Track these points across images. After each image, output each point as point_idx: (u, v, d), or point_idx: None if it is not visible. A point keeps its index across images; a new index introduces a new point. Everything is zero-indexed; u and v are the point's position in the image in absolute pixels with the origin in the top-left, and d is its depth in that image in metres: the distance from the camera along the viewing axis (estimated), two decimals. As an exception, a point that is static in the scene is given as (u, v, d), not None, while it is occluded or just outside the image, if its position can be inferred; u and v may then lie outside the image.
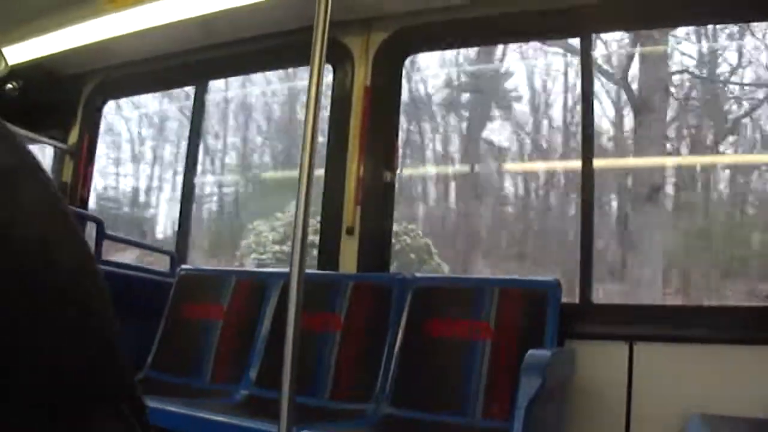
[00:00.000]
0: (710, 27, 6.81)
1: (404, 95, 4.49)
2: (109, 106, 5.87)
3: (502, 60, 8.79)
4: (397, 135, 4.33)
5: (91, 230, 4.25)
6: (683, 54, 7.56)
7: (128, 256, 4.71)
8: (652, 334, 3.38)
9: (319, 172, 4.23)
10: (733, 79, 7.49)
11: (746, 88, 7.22)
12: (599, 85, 7.70)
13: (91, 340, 0.48)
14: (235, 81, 8.85)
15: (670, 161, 7.75)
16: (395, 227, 3.99)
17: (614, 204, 8.07)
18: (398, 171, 4.27)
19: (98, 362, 0.48)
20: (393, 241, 4.26)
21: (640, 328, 3.44)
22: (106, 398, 0.48)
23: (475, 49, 8.06)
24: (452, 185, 9.57)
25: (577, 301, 3.64)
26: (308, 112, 2.61)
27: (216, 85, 8.34)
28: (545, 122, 8.98)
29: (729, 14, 3.90)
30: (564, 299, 3.36)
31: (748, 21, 4.44)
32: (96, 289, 0.51)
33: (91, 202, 5.54)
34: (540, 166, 8.98)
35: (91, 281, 0.51)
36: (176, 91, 7.65)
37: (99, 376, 0.48)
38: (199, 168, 5.41)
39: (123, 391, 0.50)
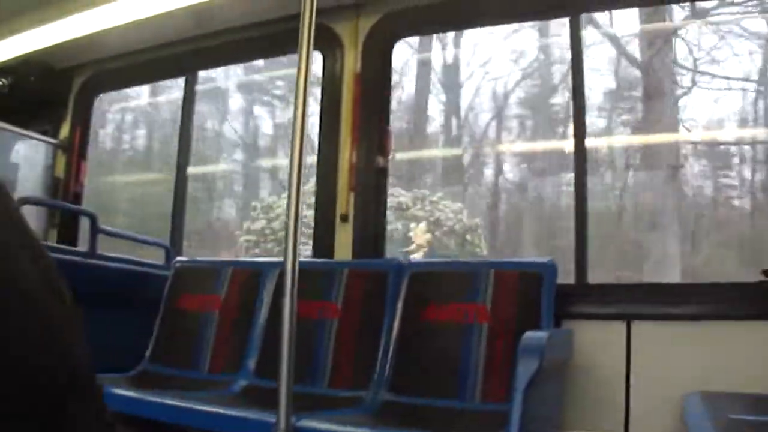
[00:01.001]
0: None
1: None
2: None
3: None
4: (388, 120, 4.30)
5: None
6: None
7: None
8: (650, 313, 3.37)
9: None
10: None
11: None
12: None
13: (41, 339, 0.47)
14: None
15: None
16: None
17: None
18: (391, 156, 4.26)
19: (44, 362, 0.47)
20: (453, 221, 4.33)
21: (637, 306, 3.43)
22: (53, 399, 0.47)
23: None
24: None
25: (572, 281, 3.64)
26: (297, 100, 2.61)
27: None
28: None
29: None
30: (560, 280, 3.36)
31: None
32: (48, 289, 0.50)
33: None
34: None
35: (43, 281, 0.50)
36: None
37: (46, 376, 0.47)
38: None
39: (74, 392, 0.49)
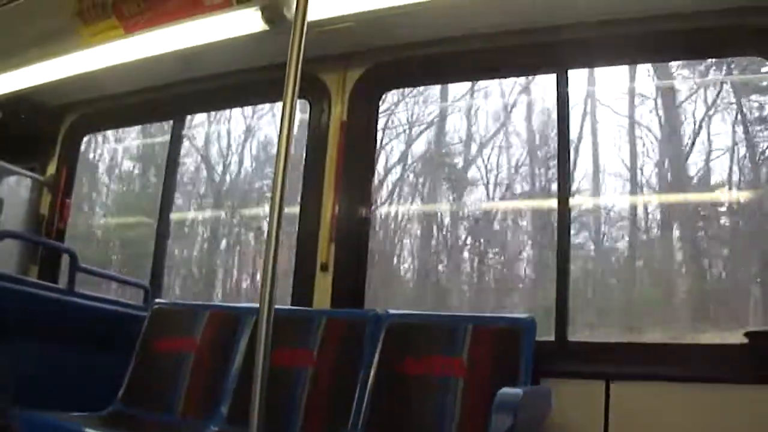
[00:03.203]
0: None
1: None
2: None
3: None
4: (373, 171, 4.34)
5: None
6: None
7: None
8: (629, 373, 3.35)
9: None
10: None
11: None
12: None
13: None
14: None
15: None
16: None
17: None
18: (374, 207, 4.27)
19: None
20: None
21: (617, 366, 3.42)
22: None
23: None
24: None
25: (552, 338, 3.62)
26: (280, 148, 2.60)
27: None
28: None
29: (702, 51, 3.91)
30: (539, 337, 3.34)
31: (721, 56, 4.43)
32: None
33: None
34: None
35: None
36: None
37: None
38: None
39: None
